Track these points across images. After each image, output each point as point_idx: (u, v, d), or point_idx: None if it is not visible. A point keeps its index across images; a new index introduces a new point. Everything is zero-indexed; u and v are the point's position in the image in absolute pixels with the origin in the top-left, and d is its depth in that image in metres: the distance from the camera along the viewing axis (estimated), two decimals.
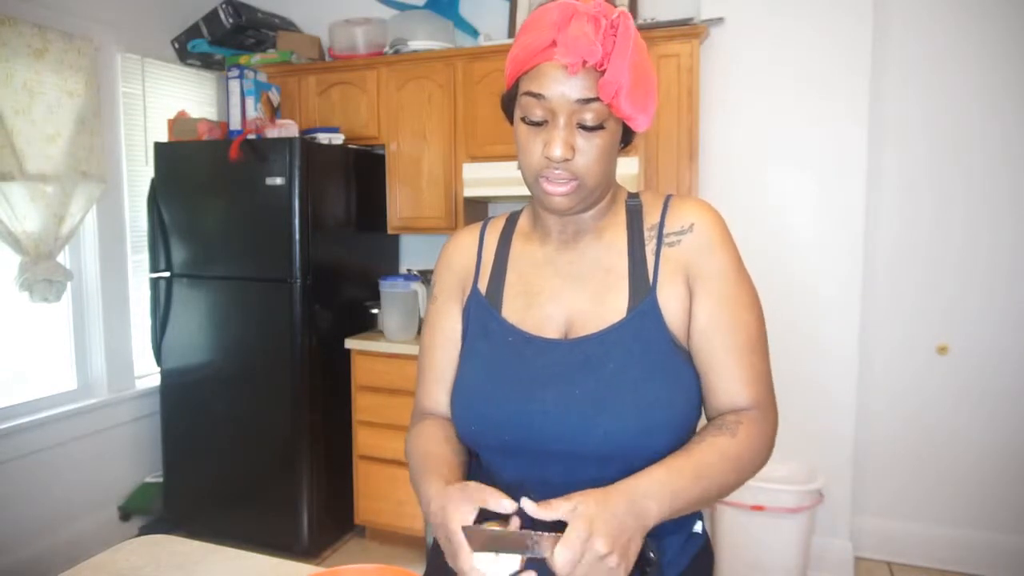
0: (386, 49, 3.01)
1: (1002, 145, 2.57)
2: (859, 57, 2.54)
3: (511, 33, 2.98)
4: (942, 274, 2.67)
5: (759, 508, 2.43)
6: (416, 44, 2.94)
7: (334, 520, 2.96)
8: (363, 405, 2.92)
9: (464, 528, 0.73)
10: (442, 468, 0.86)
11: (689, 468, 0.79)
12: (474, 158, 2.88)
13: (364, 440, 2.93)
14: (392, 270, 3.40)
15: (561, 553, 0.69)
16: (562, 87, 0.81)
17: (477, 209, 3.08)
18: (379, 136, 3.05)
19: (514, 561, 0.73)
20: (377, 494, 2.93)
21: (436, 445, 0.92)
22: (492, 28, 3.09)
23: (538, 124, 0.85)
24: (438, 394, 1.00)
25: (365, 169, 3.13)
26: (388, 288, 2.90)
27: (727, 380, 0.86)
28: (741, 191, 2.70)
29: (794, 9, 2.59)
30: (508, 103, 0.92)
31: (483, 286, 0.99)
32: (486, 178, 2.78)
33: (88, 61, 2.73)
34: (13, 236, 2.52)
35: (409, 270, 3.30)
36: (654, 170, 2.65)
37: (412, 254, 3.43)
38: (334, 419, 2.93)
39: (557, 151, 0.82)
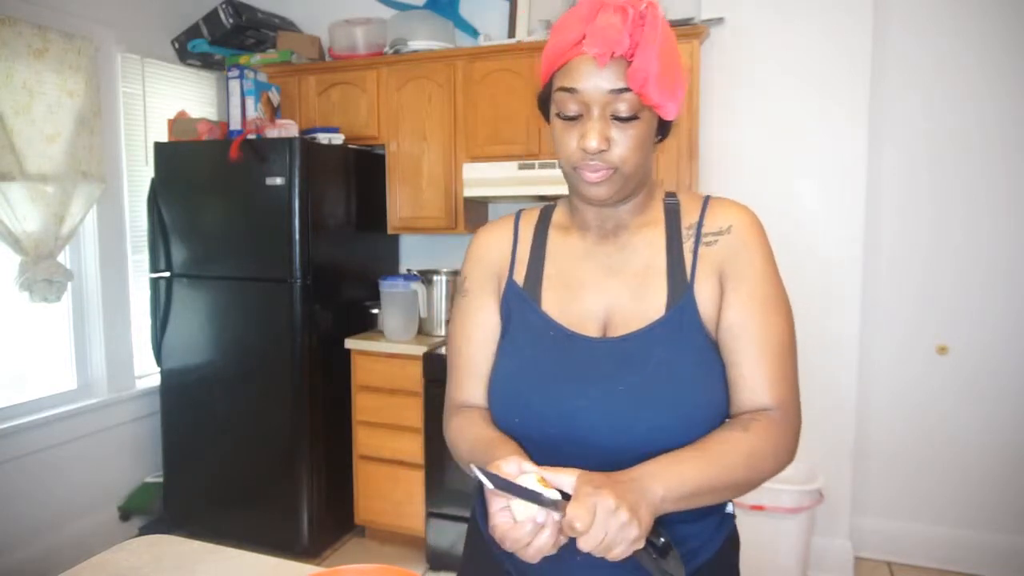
0: (386, 49, 3.01)
1: (1002, 145, 2.57)
2: (859, 57, 2.54)
3: (511, 33, 2.98)
4: (942, 274, 2.67)
5: (759, 508, 2.43)
6: (416, 44, 2.94)
7: (334, 520, 2.96)
8: (363, 405, 2.92)
9: (480, 467, 0.74)
10: (509, 444, 0.87)
11: (697, 457, 0.80)
12: (474, 158, 2.88)
13: (364, 440, 2.93)
14: (392, 270, 3.40)
15: (573, 507, 0.70)
16: (594, 79, 0.82)
17: (477, 209, 3.08)
18: (379, 136, 3.05)
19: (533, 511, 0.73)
20: (377, 494, 2.93)
21: (491, 430, 0.92)
22: (492, 28, 3.09)
23: (573, 119, 0.86)
24: (473, 387, 0.99)
25: (365, 169, 3.13)
26: (388, 288, 2.90)
27: (750, 379, 0.87)
28: (741, 191, 2.69)
29: (794, 9, 2.59)
30: (543, 102, 0.92)
31: (520, 279, 0.98)
32: (486, 178, 2.78)
33: (88, 61, 2.73)
34: (13, 236, 2.52)
35: (409, 270, 3.30)
36: (654, 170, 2.64)
37: (412, 254, 3.43)
38: (334, 419, 2.93)
39: (592, 142, 0.83)
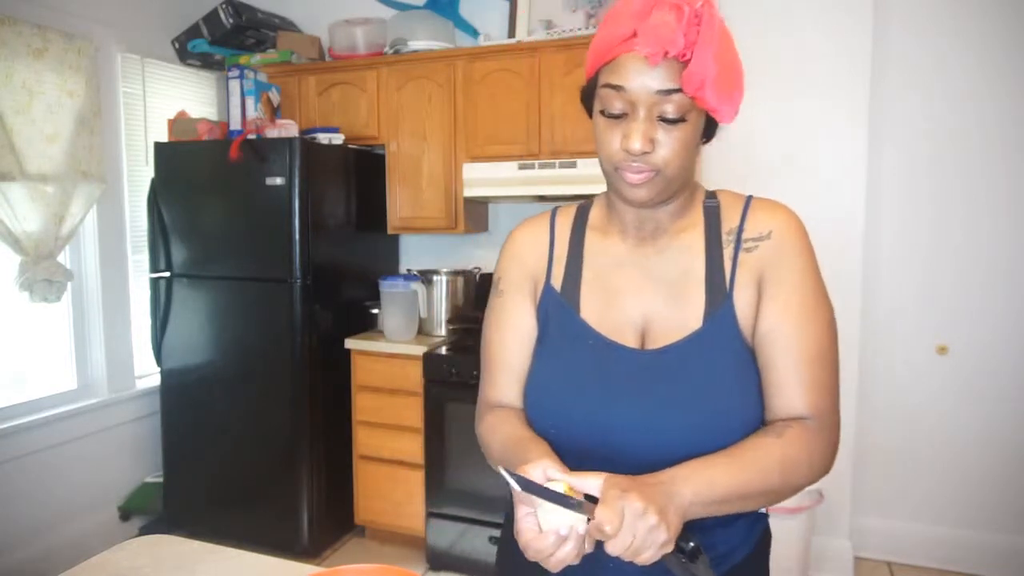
0: (386, 49, 3.01)
1: (1002, 145, 2.57)
2: (859, 57, 2.54)
3: (511, 33, 2.98)
4: (942, 274, 2.67)
5: None
6: (416, 44, 2.94)
7: (334, 520, 2.96)
8: (363, 405, 2.92)
9: (508, 470, 0.74)
10: (541, 444, 0.86)
11: (728, 462, 0.79)
12: (474, 158, 2.88)
13: (364, 440, 2.93)
14: (392, 270, 3.40)
15: (602, 511, 0.69)
16: (643, 78, 0.79)
17: (477, 209, 3.08)
18: (379, 136, 3.05)
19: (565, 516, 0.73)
20: (377, 494, 2.93)
21: (524, 430, 0.91)
22: (492, 28, 3.09)
23: (617, 117, 0.83)
24: (507, 387, 0.98)
25: (365, 169, 3.13)
26: (388, 288, 2.90)
27: (785, 386, 0.85)
28: (740, 191, 2.69)
29: (794, 9, 2.59)
30: (587, 96, 0.89)
31: (557, 282, 0.97)
32: (486, 178, 2.78)
33: (88, 61, 2.73)
34: (13, 236, 2.52)
35: (409, 270, 3.30)
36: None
37: (412, 254, 3.43)
38: (334, 419, 2.93)
39: (636, 144, 0.80)
